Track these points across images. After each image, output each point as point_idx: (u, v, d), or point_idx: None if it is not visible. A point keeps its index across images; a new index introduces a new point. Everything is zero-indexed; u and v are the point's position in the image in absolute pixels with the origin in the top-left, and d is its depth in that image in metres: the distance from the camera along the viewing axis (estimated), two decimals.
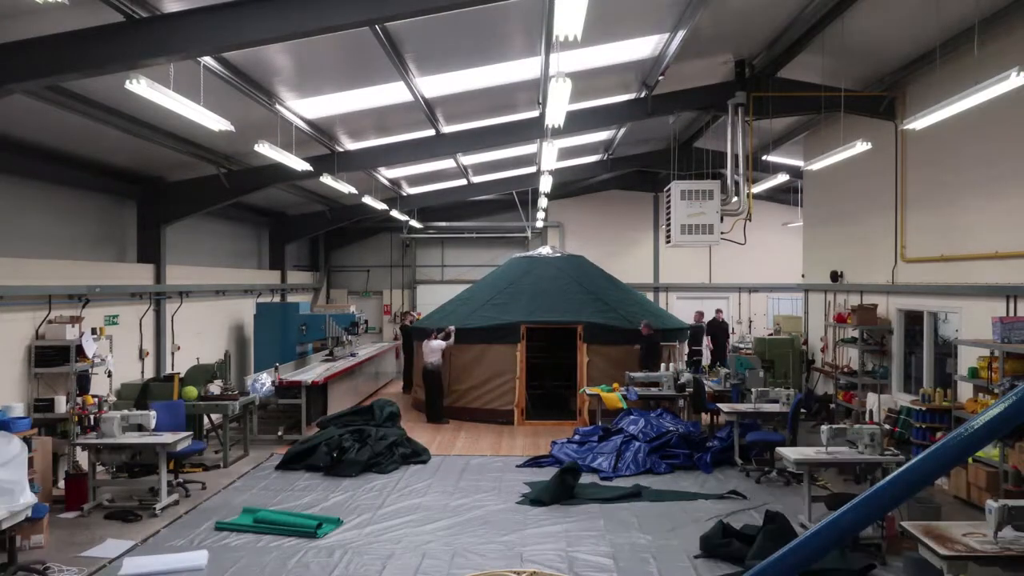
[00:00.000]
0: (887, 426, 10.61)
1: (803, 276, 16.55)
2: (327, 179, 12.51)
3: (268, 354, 14.62)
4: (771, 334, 18.40)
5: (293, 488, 9.59)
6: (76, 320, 9.76)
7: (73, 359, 9.41)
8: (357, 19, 6.46)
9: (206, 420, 11.57)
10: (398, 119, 11.54)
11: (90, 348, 9.71)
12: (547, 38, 8.50)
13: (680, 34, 9.19)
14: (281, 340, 15.14)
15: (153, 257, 12.32)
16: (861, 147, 10.07)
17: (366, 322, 17.81)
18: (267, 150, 9.74)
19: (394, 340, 21.55)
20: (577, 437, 11.47)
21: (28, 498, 6.59)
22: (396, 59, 8.66)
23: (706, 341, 18.15)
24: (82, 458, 9.30)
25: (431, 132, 12.39)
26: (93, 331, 9.98)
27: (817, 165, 12.02)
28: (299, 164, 10.78)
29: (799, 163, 15.93)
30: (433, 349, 13.69)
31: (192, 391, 10.71)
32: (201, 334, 14.12)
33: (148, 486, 8.91)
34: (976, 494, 8.70)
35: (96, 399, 9.62)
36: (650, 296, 20.46)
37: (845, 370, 13.65)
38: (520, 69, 10.03)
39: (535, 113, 11.90)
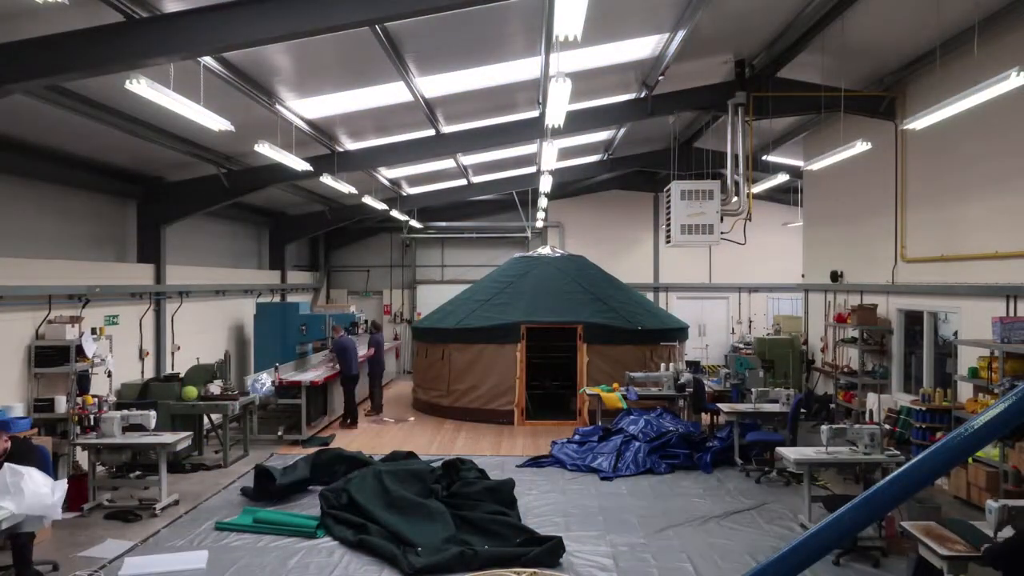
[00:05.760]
0: (887, 426, 10.62)
1: (803, 276, 16.55)
2: (327, 179, 12.50)
3: (268, 354, 14.55)
4: (770, 335, 18.40)
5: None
6: (76, 320, 9.75)
7: (73, 359, 9.40)
8: (357, 19, 6.45)
9: (206, 420, 11.56)
10: (398, 119, 11.53)
11: (90, 348, 9.71)
12: (547, 38, 8.50)
13: (680, 34, 9.19)
14: (281, 340, 15.08)
15: (153, 257, 12.32)
16: (861, 147, 10.07)
17: (366, 322, 17.77)
18: (267, 150, 9.73)
19: (394, 340, 21.56)
20: (577, 437, 11.48)
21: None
22: (396, 59, 8.66)
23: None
24: (82, 458, 9.30)
25: (431, 132, 12.39)
26: (93, 331, 9.97)
27: (817, 165, 12.02)
28: (299, 164, 10.78)
29: (799, 163, 15.93)
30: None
31: (192, 391, 10.71)
32: (201, 334, 14.12)
33: (144, 486, 8.92)
34: (976, 494, 8.70)
35: (96, 399, 9.62)
36: (650, 296, 20.47)
37: (845, 370, 13.65)
38: (520, 69, 10.02)
39: (535, 113, 11.90)
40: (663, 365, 13.38)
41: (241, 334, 16.02)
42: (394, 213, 18.22)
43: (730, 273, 21.12)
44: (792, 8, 9.32)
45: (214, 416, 11.45)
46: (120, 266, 11.70)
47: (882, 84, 11.74)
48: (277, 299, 17.85)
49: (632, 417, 11.66)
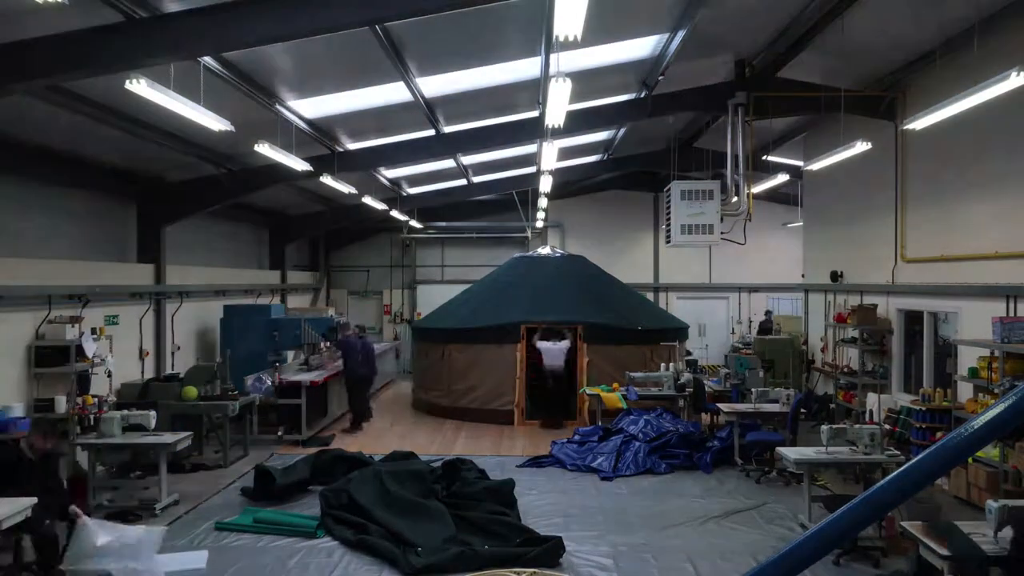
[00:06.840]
0: (887, 426, 10.61)
1: (803, 276, 16.55)
2: (327, 179, 12.51)
3: (235, 363, 12.78)
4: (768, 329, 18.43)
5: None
6: (76, 320, 9.75)
7: (73, 359, 9.41)
8: (357, 19, 6.46)
9: (206, 420, 11.54)
10: (398, 119, 11.54)
11: (90, 348, 9.72)
12: (547, 38, 8.50)
13: (680, 34, 9.19)
14: (251, 347, 13.51)
15: (153, 257, 12.32)
16: (861, 147, 10.08)
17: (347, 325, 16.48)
18: (267, 150, 9.73)
19: (394, 340, 21.54)
20: (577, 437, 11.47)
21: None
22: (396, 59, 8.66)
23: None
24: (82, 458, 9.30)
25: (431, 132, 12.39)
26: (93, 331, 9.98)
27: (817, 165, 12.02)
28: (299, 164, 10.78)
29: (799, 163, 15.93)
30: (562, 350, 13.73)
31: (192, 391, 10.70)
32: (203, 334, 14.11)
33: (144, 486, 8.91)
34: (976, 494, 8.70)
35: (96, 399, 9.62)
36: (650, 296, 20.47)
37: (845, 370, 13.65)
38: (520, 69, 10.02)
39: (535, 113, 11.90)
40: (663, 365, 13.38)
41: (204, 340, 14.47)
42: (394, 213, 18.23)
43: (730, 273, 21.13)
44: (792, 8, 9.32)
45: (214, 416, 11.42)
46: (120, 266, 11.71)
47: (882, 84, 11.74)
48: (277, 299, 17.84)
49: (632, 417, 11.65)
